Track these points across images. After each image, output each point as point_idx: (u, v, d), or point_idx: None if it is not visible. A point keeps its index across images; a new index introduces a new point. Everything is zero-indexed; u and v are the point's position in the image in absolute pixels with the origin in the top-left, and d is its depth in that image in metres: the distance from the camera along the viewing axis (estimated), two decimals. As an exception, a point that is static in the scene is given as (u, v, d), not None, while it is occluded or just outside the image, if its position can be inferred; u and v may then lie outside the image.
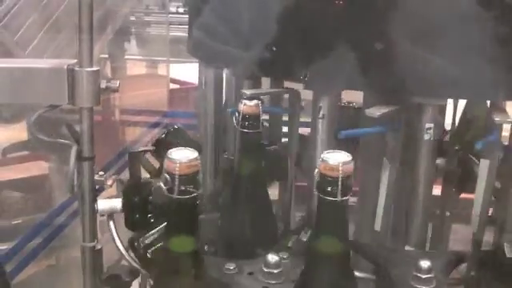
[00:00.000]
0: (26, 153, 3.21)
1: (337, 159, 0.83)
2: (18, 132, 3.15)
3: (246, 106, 1.12)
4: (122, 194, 1.33)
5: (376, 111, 1.12)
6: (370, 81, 1.12)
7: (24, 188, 2.95)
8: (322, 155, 0.85)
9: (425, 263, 1.02)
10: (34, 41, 3.03)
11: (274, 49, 1.16)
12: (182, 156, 0.84)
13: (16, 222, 2.65)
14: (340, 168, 0.82)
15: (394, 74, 1.10)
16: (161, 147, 1.40)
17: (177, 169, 0.83)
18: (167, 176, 0.84)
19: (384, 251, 1.16)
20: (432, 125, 1.14)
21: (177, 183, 0.83)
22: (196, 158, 0.84)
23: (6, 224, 2.65)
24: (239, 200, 1.20)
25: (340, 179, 0.82)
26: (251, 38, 1.20)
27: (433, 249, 1.41)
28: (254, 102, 1.13)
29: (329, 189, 0.83)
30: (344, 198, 0.83)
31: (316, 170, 0.85)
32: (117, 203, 1.30)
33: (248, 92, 1.20)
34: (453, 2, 1.06)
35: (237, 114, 1.13)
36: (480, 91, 1.11)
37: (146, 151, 1.45)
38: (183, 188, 0.83)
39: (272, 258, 1.04)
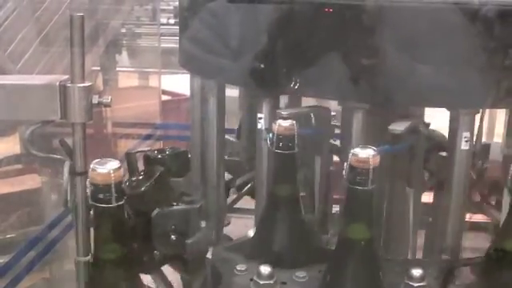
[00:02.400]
0: (19, 166, 3.21)
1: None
2: (10, 145, 3.14)
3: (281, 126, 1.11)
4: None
5: (399, 126, 1.15)
6: (358, 90, 1.13)
7: (17, 202, 2.94)
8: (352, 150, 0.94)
9: (417, 271, 1.03)
10: (26, 55, 3.04)
11: (264, 59, 1.17)
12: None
13: (10, 235, 2.65)
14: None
15: (381, 84, 1.11)
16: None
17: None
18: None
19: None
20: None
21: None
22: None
23: (0, 238, 2.64)
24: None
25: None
26: (241, 49, 1.21)
27: (426, 257, 1.42)
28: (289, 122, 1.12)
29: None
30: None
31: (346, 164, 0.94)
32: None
33: (284, 112, 1.22)
34: (438, 16, 1.07)
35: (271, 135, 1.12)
36: (464, 100, 1.13)
37: (141, 152, 1.47)
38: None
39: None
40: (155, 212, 1.33)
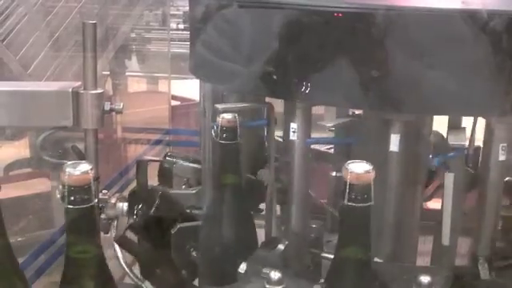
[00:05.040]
0: (29, 170, 3.22)
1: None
2: (20, 149, 3.16)
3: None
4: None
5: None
6: (367, 97, 1.14)
7: (28, 205, 2.95)
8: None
9: (425, 278, 1.04)
10: (37, 59, 3.05)
11: (276, 66, 1.18)
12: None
13: (21, 239, 2.66)
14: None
15: (389, 90, 1.12)
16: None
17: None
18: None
19: (384, 266, 1.17)
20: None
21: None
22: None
23: (11, 241, 2.65)
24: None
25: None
26: (253, 55, 1.22)
27: (433, 263, 1.42)
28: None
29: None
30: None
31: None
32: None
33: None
34: (447, 24, 1.08)
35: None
36: (474, 107, 1.13)
37: (153, 161, 1.49)
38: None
39: (275, 275, 1.06)
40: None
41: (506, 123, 1.18)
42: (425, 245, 1.42)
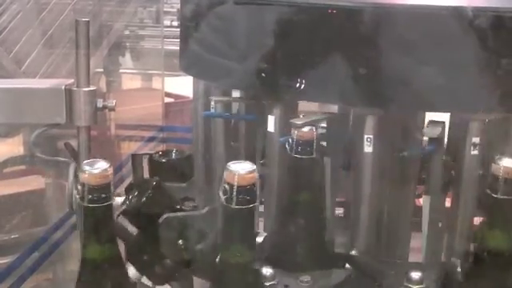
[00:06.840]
0: (22, 167, 3.22)
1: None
2: (14, 146, 3.16)
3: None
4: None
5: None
6: (361, 94, 1.14)
7: (21, 202, 2.96)
8: None
9: (416, 274, 1.04)
10: (30, 57, 3.05)
11: (270, 63, 1.18)
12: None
13: (14, 236, 2.67)
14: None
15: (383, 87, 1.13)
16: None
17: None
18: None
19: (375, 262, 1.18)
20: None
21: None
22: None
23: (4, 239, 2.66)
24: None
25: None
26: (245, 52, 1.22)
27: (426, 260, 1.43)
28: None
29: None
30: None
31: None
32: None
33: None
34: (439, 21, 1.08)
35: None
36: (463, 103, 1.14)
37: (147, 154, 1.49)
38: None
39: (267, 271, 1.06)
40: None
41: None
42: (416, 241, 1.43)
